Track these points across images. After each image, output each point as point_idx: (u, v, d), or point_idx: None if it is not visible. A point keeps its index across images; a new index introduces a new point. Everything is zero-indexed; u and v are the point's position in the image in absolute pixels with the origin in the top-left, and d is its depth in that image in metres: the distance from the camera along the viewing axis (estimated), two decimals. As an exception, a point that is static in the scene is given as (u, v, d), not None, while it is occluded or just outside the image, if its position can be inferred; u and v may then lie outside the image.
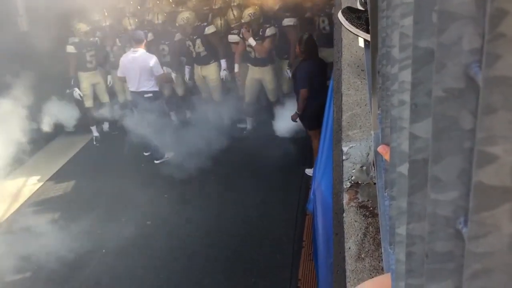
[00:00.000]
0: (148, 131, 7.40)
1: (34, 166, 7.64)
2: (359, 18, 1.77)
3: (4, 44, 7.78)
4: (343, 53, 2.32)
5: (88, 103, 8.18)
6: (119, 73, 7.25)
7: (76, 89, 7.98)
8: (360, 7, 2.05)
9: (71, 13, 8.44)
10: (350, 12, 1.81)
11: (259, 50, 7.28)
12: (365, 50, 1.77)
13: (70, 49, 7.83)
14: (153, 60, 6.97)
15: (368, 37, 1.70)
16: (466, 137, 0.45)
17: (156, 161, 7.43)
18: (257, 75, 7.57)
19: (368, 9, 1.53)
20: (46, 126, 7.87)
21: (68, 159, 7.85)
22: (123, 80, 7.24)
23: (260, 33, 7.30)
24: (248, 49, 7.48)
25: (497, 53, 0.34)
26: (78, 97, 8.04)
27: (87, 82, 8.06)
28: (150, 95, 7.11)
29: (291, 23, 7.44)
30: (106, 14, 8.56)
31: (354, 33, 1.81)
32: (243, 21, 7.38)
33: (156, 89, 7.20)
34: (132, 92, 7.18)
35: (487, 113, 0.36)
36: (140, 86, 7.04)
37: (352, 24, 1.79)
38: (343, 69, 2.23)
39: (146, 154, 7.53)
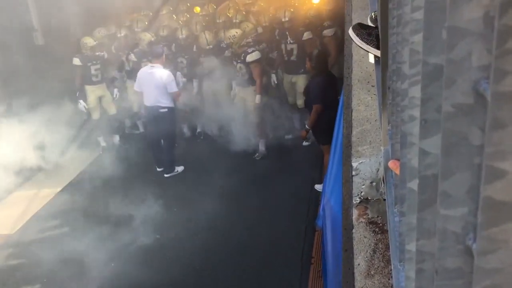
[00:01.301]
0: (161, 145, 7.45)
1: (45, 177, 7.70)
2: (369, 34, 1.78)
3: (21, 57, 7.92)
4: (353, 69, 2.33)
5: (95, 115, 8.26)
6: (136, 87, 7.31)
7: (81, 101, 8.07)
8: (370, 24, 2.06)
9: (85, 27, 8.59)
10: (361, 28, 1.82)
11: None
12: (375, 66, 1.77)
13: (76, 61, 7.95)
14: (169, 77, 7.03)
15: (378, 53, 1.70)
16: (476, 153, 0.45)
17: (166, 175, 7.45)
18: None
19: (379, 25, 1.54)
20: (58, 138, 7.95)
21: (80, 171, 7.90)
22: (140, 94, 7.28)
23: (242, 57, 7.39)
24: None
25: (505, 69, 0.35)
26: (83, 109, 8.13)
27: (93, 95, 8.15)
28: (165, 110, 7.16)
29: (310, 36, 7.66)
30: (120, 27, 8.70)
31: (364, 49, 1.82)
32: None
33: (172, 105, 7.24)
34: (147, 106, 7.22)
35: (495, 129, 0.36)
36: (156, 101, 7.10)
37: (362, 40, 1.80)
38: (353, 84, 2.23)
39: (159, 169, 7.54)
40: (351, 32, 1.82)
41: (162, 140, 7.48)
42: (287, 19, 7.80)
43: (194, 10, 9.79)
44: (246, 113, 7.66)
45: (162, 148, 7.48)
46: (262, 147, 7.81)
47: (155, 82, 7.00)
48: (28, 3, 9.13)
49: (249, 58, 7.32)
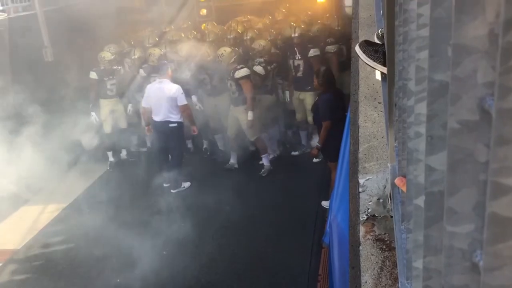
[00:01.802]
0: (168, 160, 7.46)
1: (52, 193, 7.72)
2: (376, 51, 1.79)
3: (31, 74, 8.01)
4: (360, 85, 2.34)
5: (107, 129, 8.30)
6: (144, 103, 7.33)
7: (93, 113, 8.13)
8: (377, 41, 2.07)
9: (93, 44, 8.69)
10: (367, 45, 1.83)
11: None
12: (382, 83, 1.78)
13: (93, 75, 8.02)
14: (178, 90, 7.07)
15: (385, 70, 1.71)
16: (481, 169, 0.45)
17: (173, 191, 7.45)
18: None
19: (385, 42, 1.55)
20: (66, 153, 8.00)
21: (87, 186, 7.92)
22: (149, 110, 7.31)
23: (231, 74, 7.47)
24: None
25: (510, 86, 0.35)
26: (94, 122, 8.18)
27: (107, 109, 8.21)
28: (175, 125, 7.18)
29: (317, 53, 7.74)
30: (133, 43, 8.80)
31: (371, 66, 1.83)
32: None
33: (181, 120, 7.25)
34: (156, 122, 7.24)
35: (501, 145, 0.36)
36: (166, 116, 7.12)
37: (369, 57, 1.81)
38: (360, 101, 2.24)
39: (166, 185, 7.55)
40: (357, 49, 1.83)
41: (169, 156, 7.49)
42: (296, 34, 7.86)
43: (202, 27, 9.91)
44: (242, 131, 7.69)
45: (169, 164, 7.49)
46: (266, 163, 7.79)
47: (165, 96, 7.03)
48: (39, 20, 9.29)
49: (237, 74, 7.36)
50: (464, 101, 0.46)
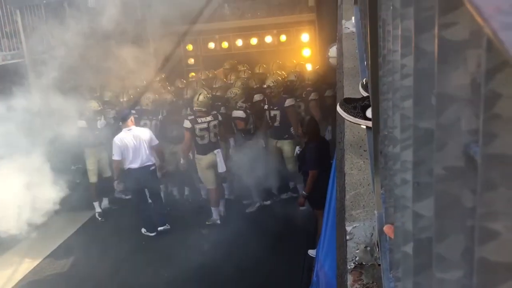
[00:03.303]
0: (148, 205, 7.42)
1: (32, 243, 7.52)
2: (354, 107, 1.88)
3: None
4: (345, 133, 2.37)
5: (93, 178, 8.21)
6: (117, 156, 7.18)
7: (79, 164, 8.09)
8: (361, 90, 2.12)
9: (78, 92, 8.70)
10: (347, 104, 1.92)
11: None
12: (367, 131, 1.81)
13: (81, 124, 8.02)
14: (149, 132, 7.26)
15: (367, 123, 1.77)
16: (468, 214, 0.46)
17: (151, 234, 7.34)
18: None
19: (370, 92, 1.59)
20: (47, 202, 7.87)
21: (68, 236, 7.73)
22: (121, 162, 7.23)
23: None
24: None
25: (493, 133, 0.36)
26: (76, 171, 8.13)
27: (94, 158, 8.15)
28: (154, 167, 7.28)
29: (292, 103, 7.76)
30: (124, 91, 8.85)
31: (353, 122, 1.91)
32: None
33: (154, 161, 7.34)
34: (134, 169, 7.20)
35: (487, 190, 0.37)
36: (146, 161, 7.16)
37: (350, 115, 1.89)
38: (345, 149, 2.26)
39: (144, 231, 7.44)
40: (339, 108, 1.94)
41: (150, 199, 7.48)
42: (271, 84, 7.86)
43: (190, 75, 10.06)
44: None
45: (150, 208, 7.44)
46: (215, 216, 7.62)
47: (142, 141, 7.11)
48: (27, 66, 9.34)
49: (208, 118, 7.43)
50: (450, 148, 0.48)
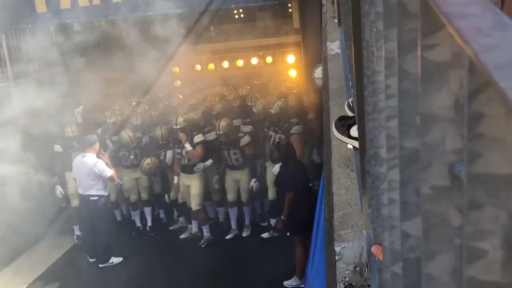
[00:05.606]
0: (94, 234, 7.25)
1: (16, 270, 7.36)
2: (343, 126, 1.89)
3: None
4: (332, 154, 2.38)
5: (74, 202, 8.08)
6: (73, 174, 7.33)
7: (58, 186, 7.97)
8: (347, 110, 2.14)
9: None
10: (339, 121, 1.95)
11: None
12: (354, 151, 1.82)
13: (57, 148, 7.95)
14: (98, 163, 6.98)
15: (353, 142, 1.79)
16: (456, 233, 0.46)
17: (100, 265, 7.18)
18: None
19: (355, 112, 1.60)
20: (32, 228, 7.76)
21: (52, 262, 7.57)
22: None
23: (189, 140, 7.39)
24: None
25: (478, 152, 0.36)
26: (60, 196, 8.02)
27: (74, 182, 8.03)
28: (96, 198, 7.07)
29: (246, 142, 7.52)
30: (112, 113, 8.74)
31: (342, 140, 1.92)
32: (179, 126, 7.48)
33: (104, 193, 7.17)
34: (80, 194, 7.22)
35: (473, 209, 0.37)
36: (87, 189, 7.05)
37: (339, 132, 1.92)
38: (333, 169, 2.27)
39: (91, 260, 7.29)
40: (333, 127, 1.98)
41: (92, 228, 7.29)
42: (220, 132, 7.48)
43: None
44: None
45: (94, 238, 7.27)
46: (206, 234, 7.53)
47: (87, 168, 6.96)
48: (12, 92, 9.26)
49: (196, 139, 7.36)
50: (435, 167, 0.48)
